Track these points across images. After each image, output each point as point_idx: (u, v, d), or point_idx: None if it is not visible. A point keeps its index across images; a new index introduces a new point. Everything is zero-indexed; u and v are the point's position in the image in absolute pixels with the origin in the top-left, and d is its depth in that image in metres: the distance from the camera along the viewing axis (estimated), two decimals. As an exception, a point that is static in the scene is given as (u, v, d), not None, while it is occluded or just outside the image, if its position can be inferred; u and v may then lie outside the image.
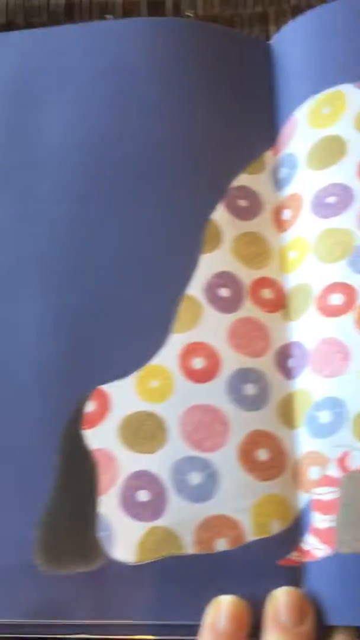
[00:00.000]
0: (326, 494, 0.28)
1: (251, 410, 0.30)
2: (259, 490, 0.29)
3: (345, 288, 0.31)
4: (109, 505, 0.29)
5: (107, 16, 0.44)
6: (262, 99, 0.36)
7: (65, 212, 0.34)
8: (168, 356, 0.31)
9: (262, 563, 0.28)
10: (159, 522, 0.28)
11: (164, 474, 0.29)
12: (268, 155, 0.35)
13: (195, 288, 0.32)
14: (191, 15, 0.43)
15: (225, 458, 0.29)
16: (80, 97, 0.36)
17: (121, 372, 0.31)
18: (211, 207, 0.34)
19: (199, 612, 0.27)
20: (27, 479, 0.29)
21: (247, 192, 0.34)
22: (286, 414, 0.30)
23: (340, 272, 0.31)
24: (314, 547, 0.28)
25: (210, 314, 0.32)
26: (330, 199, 0.33)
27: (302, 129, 0.35)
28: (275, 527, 0.28)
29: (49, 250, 0.33)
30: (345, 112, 0.34)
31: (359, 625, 0.27)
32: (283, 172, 0.35)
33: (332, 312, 0.31)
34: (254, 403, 0.30)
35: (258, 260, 0.33)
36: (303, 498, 0.29)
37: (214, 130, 0.35)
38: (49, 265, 0.33)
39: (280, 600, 0.27)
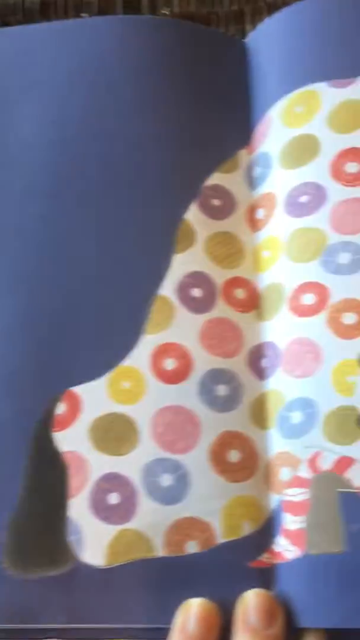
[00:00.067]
0: (297, 495, 0.28)
1: (223, 411, 0.30)
2: (230, 491, 0.29)
3: (317, 288, 0.31)
4: (78, 508, 0.29)
5: (83, 15, 0.44)
6: (237, 98, 0.36)
7: (36, 211, 0.33)
8: (140, 357, 0.31)
9: (233, 565, 0.28)
10: (129, 525, 0.28)
11: (135, 476, 0.29)
12: (242, 154, 0.35)
13: (168, 288, 0.32)
14: (167, 13, 0.43)
15: (196, 460, 0.29)
16: (55, 96, 0.36)
17: (92, 374, 0.31)
18: (184, 207, 0.33)
19: (169, 615, 0.27)
20: (-4, 482, 0.29)
21: (220, 191, 0.34)
22: (258, 414, 0.30)
23: (312, 271, 0.31)
24: (285, 549, 0.28)
25: (183, 314, 0.31)
26: (303, 198, 0.33)
27: (276, 127, 0.35)
28: (246, 528, 0.28)
29: (19, 250, 0.33)
30: (318, 111, 0.34)
31: (328, 627, 0.27)
32: (257, 171, 0.35)
33: (304, 312, 0.31)
34: (226, 404, 0.30)
35: (231, 260, 0.33)
36: (274, 499, 0.29)
37: (187, 129, 0.35)
38: (20, 265, 0.32)
39: (249, 602, 0.27)
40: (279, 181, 0.34)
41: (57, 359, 0.31)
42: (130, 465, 0.29)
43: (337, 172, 0.32)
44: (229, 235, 0.33)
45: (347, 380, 0.29)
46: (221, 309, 0.32)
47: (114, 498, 0.29)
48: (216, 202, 0.34)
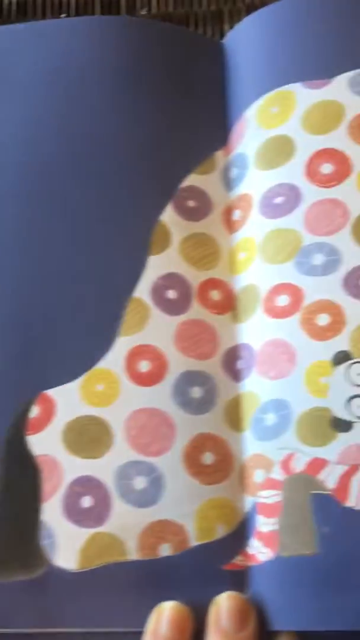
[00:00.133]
0: (270, 497, 0.28)
1: (197, 413, 0.30)
2: (204, 494, 0.29)
3: (291, 289, 0.31)
4: (52, 512, 0.28)
5: (62, 15, 0.43)
6: (214, 99, 0.36)
7: (10, 212, 0.33)
8: (114, 359, 0.31)
9: (206, 568, 0.28)
10: (103, 528, 0.28)
11: (109, 479, 0.29)
12: (219, 155, 0.35)
13: (143, 290, 0.32)
14: (145, 13, 0.43)
15: (170, 462, 0.29)
16: (30, 96, 0.35)
17: (67, 376, 0.30)
18: (160, 208, 0.33)
19: (142, 618, 0.27)
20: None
21: (196, 193, 0.34)
22: (233, 416, 0.30)
23: (286, 273, 0.31)
24: (258, 551, 0.28)
25: (157, 316, 0.31)
26: (278, 199, 0.32)
27: (252, 128, 0.35)
28: (220, 531, 0.28)
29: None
30: (293, 111, 0.34)
31: (300, 630, 0.26)
32: (234, 172, 0.35)
33: (279, 313, 0.31)
34: (201, 406, 0.30)
35: (206, 261, 0.33)
36: (249, 501, 0.29)
37: (163, 130, 0.35)
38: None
39: (222, 605, 0.27)
40: (254, 182, 0.34)
41: (31, 361, 0.31)
42: (103, 468, 0.29)
43: (312, 173, 0.32)
44: (205, 236, 0.33)
45: (321, 381, 0.29)
46: (196, 311, 0.32)
47: (87, 501, 0.28)
48: (192, 203, 0.34)
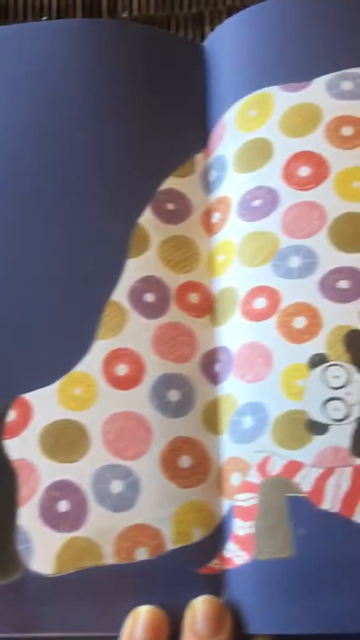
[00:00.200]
0: (246, 500, 0.28)
1: (175, 416, 0.30)
2: (181, 497, 0.29)
3: (268, 292, 0.31)
4: (28, 516, 0.28)
5: (43, 18, 0.43)
6: (194, 101, 0.36)
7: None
8: (92, 363, 0.31)
9: (183, 572, 0.28)
10: (79, 533, 0.28)
11: (85, 483, 0.29)
12: (198, 158, 0.35)
13: (121, 293, 0.32)
14: (127, 16, 0.43)
15: (147, 466, 0.29)
16: (8, 98, 0.35)
17: (44, 380, 0.30)
18: (139, 211, 0.33)
19: (119, 622, 0.27)
20: None
21: (175, 195, 0.34)
22: (211, 419, 0.30)
23: (263, 275, 0.31)
24: (235, 555, 0.28)
25: (135, 319, 0.31)
26: (256, 202, 0.32)
27: (231, 131, 0.35)
28: (197, 534, 0.28)
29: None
30: (271, 114, 0.34)
31: (276, 633, 0.26)
32: (213, 174, 0.35)
33: (256, 316, 0.31)
34: (178, 409, 0.30)
35: (185, 264, 0.33)
36: (226, 505, 0.29)
37: (142, 133, 0.35)
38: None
39: (197, 609, 0.27)
40: (233, 185, 0.34)
41: (7, 365, 0.31)
42: (80, 472, 0.29)
43: (289, 176, 0.32)
44: (184, 239, 0.33)
45: (297, 384, 0.29)
46: (174, 314, 0.32)
47: (63, 506, 0.28)
48: (170, 206, 0.34)
